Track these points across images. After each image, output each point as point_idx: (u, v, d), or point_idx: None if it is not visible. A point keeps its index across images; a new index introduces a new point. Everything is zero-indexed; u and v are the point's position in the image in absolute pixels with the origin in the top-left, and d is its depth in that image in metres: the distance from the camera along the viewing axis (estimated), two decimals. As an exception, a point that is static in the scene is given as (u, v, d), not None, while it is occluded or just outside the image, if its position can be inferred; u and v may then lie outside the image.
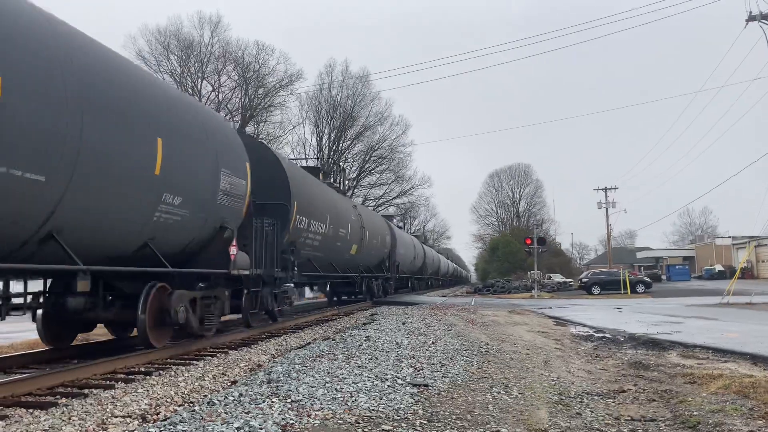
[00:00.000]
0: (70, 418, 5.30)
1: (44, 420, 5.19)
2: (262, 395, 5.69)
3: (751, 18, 25.42)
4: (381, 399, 5.69)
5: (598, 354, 10.02)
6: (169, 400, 6.09)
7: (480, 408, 5.56)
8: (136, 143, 7.58)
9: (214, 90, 44.08)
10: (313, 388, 6.03)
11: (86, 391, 6.49)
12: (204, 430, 4.41)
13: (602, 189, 59.11)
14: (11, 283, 6.81)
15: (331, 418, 4.97)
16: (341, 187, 22.92)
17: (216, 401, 5.41)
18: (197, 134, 9.52)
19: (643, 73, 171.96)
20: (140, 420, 5.30)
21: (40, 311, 8.31)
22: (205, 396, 6.14)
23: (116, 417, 5.37)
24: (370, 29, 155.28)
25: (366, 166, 54.42)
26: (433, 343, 10.06)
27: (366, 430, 4.67)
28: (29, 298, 7.16)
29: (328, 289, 24.81)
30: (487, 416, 5.26)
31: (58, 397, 6.21)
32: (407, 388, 6.30)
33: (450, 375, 7.16)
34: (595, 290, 38.19)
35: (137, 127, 7.65)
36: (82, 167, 6.52)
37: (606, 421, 5.18)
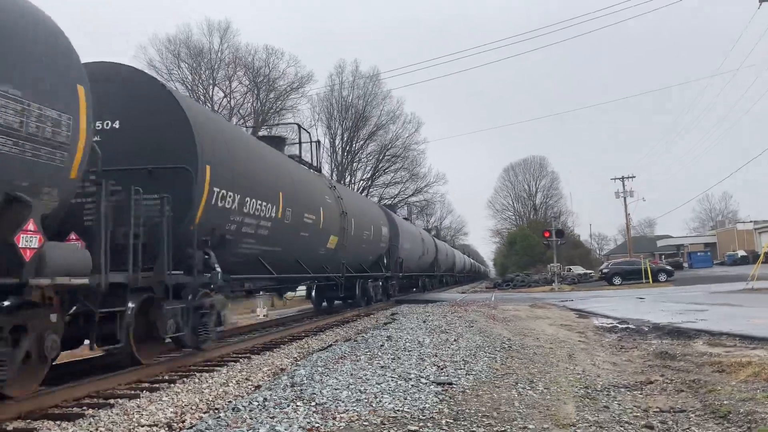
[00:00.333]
0: (97, 429, 5.33)
1: (72, 432, 5.23)
2: (286, 399, 5.69)
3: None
4: (405, 399, 5.66)
5: (622, 345, 9.91)
6: (194, 407, 6.10)
7: (506, 405, 5.51)
8: None
9: (225, 96, 44.39)
10: (337, 390, 6.02)
11: (112, 401, 6.53)
12: (230, 436, 4.41)
13: (619, 178, 58.55)
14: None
15: (357, 419, 4.95)
16: (316, 164, 16.81)
17: (241, 407, 5.41)
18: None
19: (655, 59, 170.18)
20: (166, 428, 5.32)
21: None
22: (230, 402, 6.14)
23: (142, 426, 5.39)
24: (378, 31, 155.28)
25: (380, 165, 54.51)
26: (455, 340, 10.01)
27: (392, 431, 4.64)
28: None
29: (313, 294, 20.53)
30: (514, 413, 5.21)
31: (84, 408, 6.25)
32: (431, 387, 6.26)
33: (474, 372, 7.12)
34: (616, 281, 37.84)
35: None
36: None
37: (635, 414, 5.11)
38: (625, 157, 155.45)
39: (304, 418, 4.98)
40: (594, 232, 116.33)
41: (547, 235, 37.20)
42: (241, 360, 9.47)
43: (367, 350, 9.02)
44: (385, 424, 4.80)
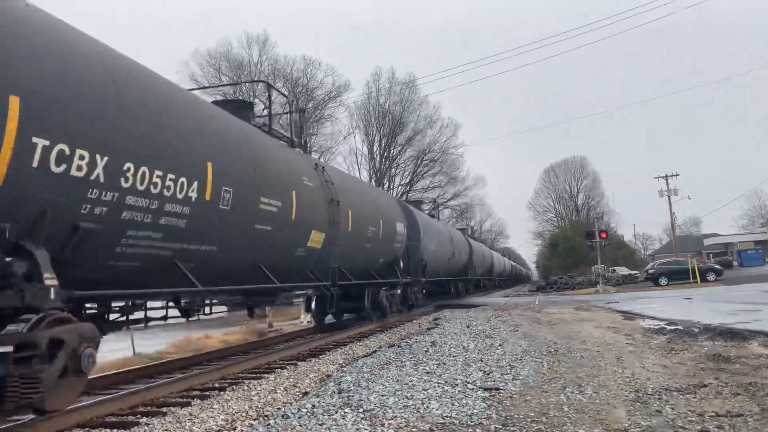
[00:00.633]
0: (152, 437, 5.47)
1: (128, 439, 5.37)
2: (334, 406, 5.74)
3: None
4: (453, 405, 5.65)
5: (672, 347, 9.68)
6: (244, 414, 6.21)
7: (555, 409, 5.46)
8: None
9: (265, 108, 44.95)
10: (384, 397, 6.05)
11: (164, 409, 6.69)
12: (281, 443, 4.47)
13: (662, 177, 57.25)
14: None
15: (405, 426, 4.97)
16: (298, 139, 12.65)
17: (290, 414, 5.49)
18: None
19: (698, 54, 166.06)
20: (218, 435, 5.42)
21: None
22: (279, 409, 6.22)
23: (195, 433, 5.51)
24: (415, 36, 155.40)
25: (418, 170, 54.48)
26: (500, 345, 9.94)
27: (441, 437, 4.64)
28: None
29: (313, 305, 16.88)
30: (563, 417, 5.16)
31: (139, 416, 6.42)
32: (478, 392, 6.24)
33: (521, 377, 7.06)
34: (663, 281, 36.97)
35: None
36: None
37: (689, 418, 5.00)
38: (668, 154, 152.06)
39: (352, 424, 5.02)
40: (638, 232, 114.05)
41: (590, 236, 36.57)
42: (287, 367, 9.59)
43: (411, 356, 9.03)
44: (433, 431, 4.81)
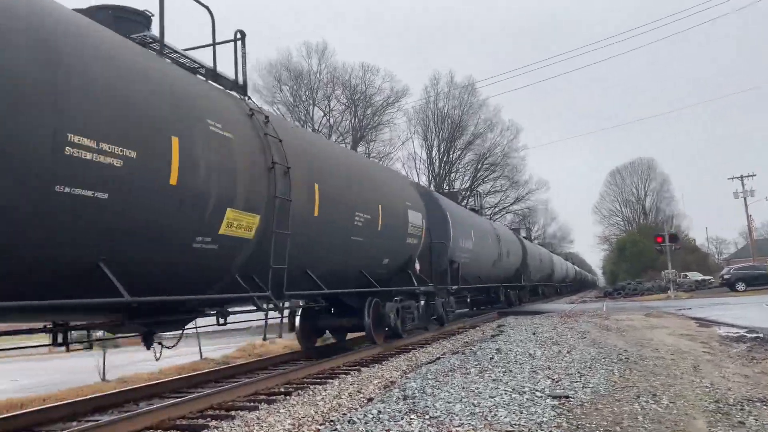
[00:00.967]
0: (221, 440, 5.56)
1: (199, 442, 5.48)
2: (400, 412, 5.69)
3: None
4: (521, 412, 5.52)
5: (753, 356, 9.19)
6: (310, 419, 6.24)
7: (629, 419, 5.25)
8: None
9: (325, 115, 45.56)
10: (450, 404, 5.96)
11: (233, 413, 6.81)
12: (348, 449, 4.46)
13: (738, 177, 54.83)
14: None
15: (472, 433, 4.88)
16: (243, 83, 8.70)
17: (356, 419, 5.48)
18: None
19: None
20: (286, 440, 5.46)
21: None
22: (344, 414, 6.23)
23: (263, 437, 5.58)
24: (473, 39, 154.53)
25: (478, 174, 54.00)
26: (568, 352, 9.68)
27: (510, 445, 4.53)
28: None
29: (297, 322, 12.53)
30: (638, 428, 4.95)
31: (208, 419, 6.55)
32: (547, 400, 6.07)
33: (591, 385, 6.84)
34: (740, 286, 35.36)
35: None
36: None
37: (776, 431, 4.72)
38: (743, 154, 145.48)
39: (419, 431, 4.97)
40: (711, 235, 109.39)
41: (659, 240, 35.30)
42: (351, 372, 9.61)
43: (476, 363, 8.89)
44: (502, 439, 4.70)
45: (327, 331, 14.00)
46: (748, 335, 11.84)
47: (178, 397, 7.76)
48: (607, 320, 16.98)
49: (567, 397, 6.22)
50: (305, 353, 12.42)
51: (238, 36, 8.58)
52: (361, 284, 11.80)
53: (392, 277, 13.43)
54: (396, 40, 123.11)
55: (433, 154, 52.44)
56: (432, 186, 47.62)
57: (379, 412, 5.72)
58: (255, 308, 8.21)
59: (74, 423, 6.75)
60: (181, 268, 6.77)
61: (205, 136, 6.79)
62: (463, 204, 33.27)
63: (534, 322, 17.45)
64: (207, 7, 8.13)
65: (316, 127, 43.05)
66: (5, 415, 7.01)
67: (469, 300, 24.72)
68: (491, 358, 9.28)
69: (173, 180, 6.16)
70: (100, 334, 8.30)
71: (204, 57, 8.26)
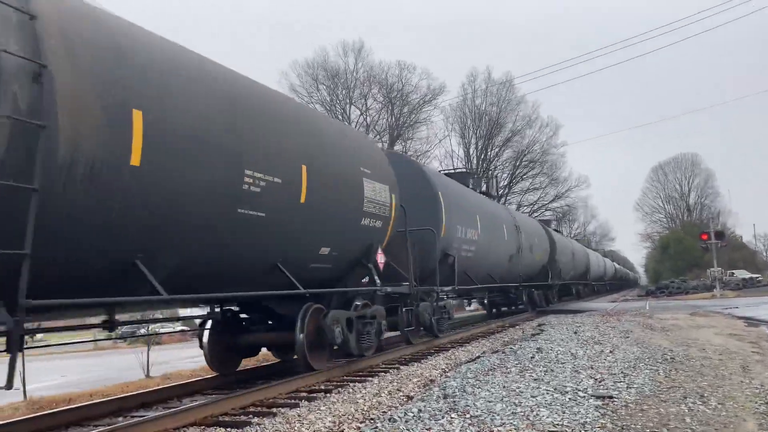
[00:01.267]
0: (263, 436, 5.62)
1: (241, 438, 5.54)
2: (440, 411, 5.67)
3: None
4: (564, 413, 5.44)
5: (806, 357, 8.90)
6: (350, 417, 6.26)
7: (675, 420, 5.13)
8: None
9: (361, 114, 45.68)
10: (491, 403, 5.91)
11: (274, 410, 6.86)
12: (389, 447, 4.46)
13: (787, 172, 52.94)
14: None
15: (514, 433, 4.83)
16: None
17: (396, 417, 5.47)
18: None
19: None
20: (326, 437, 5.48)
21: None
22: (384, 412, 6.23)
23: (304, 435, 5.62)
24: (511, 35, 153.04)
25: (517, 171, 53.39)
26: (610, 351, 9.51)
27: (553, 446, 4.48)
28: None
29: (205, 339, 8.97)
30: (686, 429, 4.84)
31: (250, 416, 6.62)
32: (590, 400, 5.98)
33: (635, 385, 6.71)
34: (790, 285, 34.21)
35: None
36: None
37: (832, 434, 4.55)
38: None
39: (460, 430, 4.94)
40: (759, 232, 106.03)
41: (704, 237, 34.41)
42: (390, 371, 9.61)
43: (516, 362, 8.81)
44: (544, 439, 4.64)
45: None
46: (800, 335, 11.47)
47: (221, 394, 7.88)
48: (651, 319, 16.63)
49: (611, 397, 6.11)
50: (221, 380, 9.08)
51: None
52: (283, 284, 8.09)
53: (346, 274, 9.81)
54: (434, 36, 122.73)
55: (471, 152, 52.09)
56: (471, 184, 46.99)
57: (420, 410, 5.71)
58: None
59: (120, 419, 6.91)
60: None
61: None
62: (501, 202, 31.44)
63: (575, 320, 17.21)
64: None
65: (354, 126, 43.20)
66: (54, 410, 7.23)
67: (486, 302, 23.20)
68: (532, 357, 9.18)
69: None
70: (142, 331, 8.55)
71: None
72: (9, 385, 4.41)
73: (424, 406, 5.90)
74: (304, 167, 8.10)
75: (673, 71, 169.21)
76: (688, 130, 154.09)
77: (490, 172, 50.41)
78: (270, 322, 9.36)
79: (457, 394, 6.48)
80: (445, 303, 13.70)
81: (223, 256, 6.97)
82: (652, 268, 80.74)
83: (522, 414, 5.44)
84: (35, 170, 4.43)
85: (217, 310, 8.76)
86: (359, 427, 5.62)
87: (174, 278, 6.20)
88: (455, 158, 51.28)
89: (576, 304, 30.43)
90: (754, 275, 48.01)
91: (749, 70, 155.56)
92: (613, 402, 5.91)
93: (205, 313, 8.86)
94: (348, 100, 45.48)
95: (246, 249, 7.34)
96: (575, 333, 12.84)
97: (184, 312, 10.62)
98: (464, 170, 25.15)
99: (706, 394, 6.19)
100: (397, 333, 12.48)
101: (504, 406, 5.77)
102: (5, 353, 4.60)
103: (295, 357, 9.16)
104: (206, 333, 8.90)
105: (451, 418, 5.37)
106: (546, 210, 54.74)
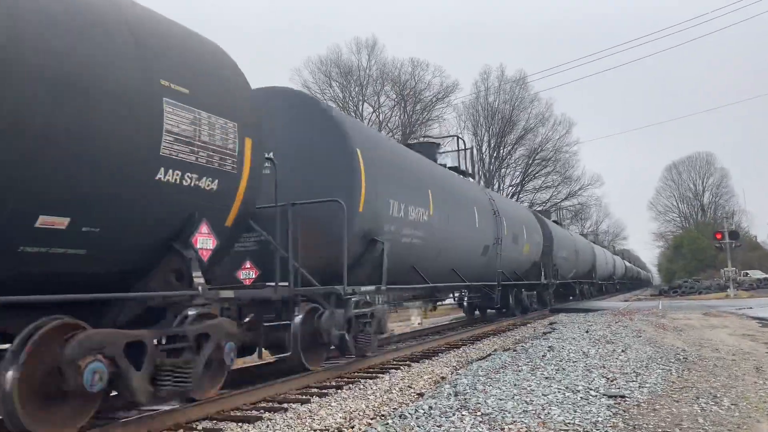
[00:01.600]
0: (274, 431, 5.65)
1: (252, 433, 5.57)
2: (451, 408, 5.68)
3: None
4: (575, 411, 5.43)
5: (821, 358, 8.81)
6: (361, 413, 6.27)
7: (688, 420, 5.10)
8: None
9: (374, 111, 45.69)
10: (502, 401, 5.91)
11: (285, 405, 6.89)
12: (400, 443, 4.47)
13: (803, 171, 52.36)
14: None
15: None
16: None
17: (407, 414, 5.48)
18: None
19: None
20: (337, 433, 5.49)
21: None
22: (395, 409, 6.24)
23: (314, 430, 5.63)
24: (525, 33, 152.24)
25: (529, 169, 53.16)
26: (622, 351, 9.47)
27: (564, 444, 4.47)
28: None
29: None
30: (698, 430, 4.81)
31: (261, 411, 6.65)
32: (602, 399, 5.95)
33: (647, 385, 6.67)
34: (805, 286, 33.86)
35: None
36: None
37: None
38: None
39: (471, 428, 4.94)
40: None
41: (719, 237, 34.14)
42: (401, 367, 9.62)
43: (528, 360, 8.79)
44: (556, 438, 4.63)
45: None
46: (815, 336, 11.35)
47: (233, 389, 7.92)
48: (663, 319, 16.54)
49: (623, 396, 6.09)
50: None
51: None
52: None
53: (138, 267, 5.69)
54: (446, 33, 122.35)
55: (483, 150, 51.93)
56: (482, 182, 46.73)
57: (430, 407, 5.71)
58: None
59: (134, 411, 6.97)
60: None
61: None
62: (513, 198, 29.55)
63: (587, 319, 17.14)
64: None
65: (366, 123, 43.21)
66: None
67: (465, 304, 19.63)
68: (543, 356, 9.15)
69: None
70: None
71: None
72: None
73: (435, 403, 5.90)
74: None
75: (688, 69, 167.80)
76: (702, 129, 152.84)
77: (503, 170, 50.26)
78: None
79: (468, 391, 6.48)
80: (373, 310, 9.59)
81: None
82: (665, 268, 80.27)
83: (533, 412, 5.44)
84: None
85: None
86: (370, 423, 5.64)
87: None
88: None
89: (587, 303, 30.27)
90: (769, 275, 47.58)
91: (760, 71, 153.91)
92: (625, 401, 5.89)
93: None
94: (361, 97, 45.51)
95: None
96: (587, 332, 12.80)
97: None
98: (430, 140, 19.62)
99: (719, 395, 6.15)
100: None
101: (515, 404, 5.77)
102: None
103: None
104: None
105: (462, 415, 5.37)
106: (559, 208, 54.43)
